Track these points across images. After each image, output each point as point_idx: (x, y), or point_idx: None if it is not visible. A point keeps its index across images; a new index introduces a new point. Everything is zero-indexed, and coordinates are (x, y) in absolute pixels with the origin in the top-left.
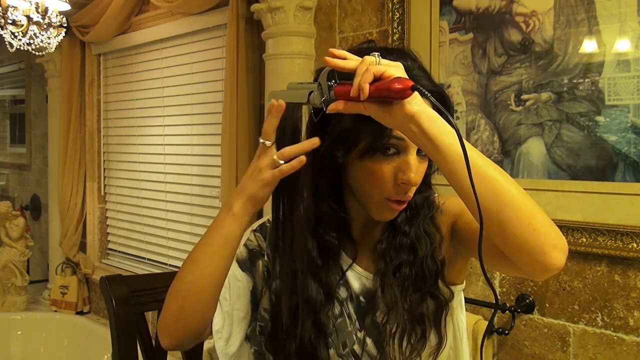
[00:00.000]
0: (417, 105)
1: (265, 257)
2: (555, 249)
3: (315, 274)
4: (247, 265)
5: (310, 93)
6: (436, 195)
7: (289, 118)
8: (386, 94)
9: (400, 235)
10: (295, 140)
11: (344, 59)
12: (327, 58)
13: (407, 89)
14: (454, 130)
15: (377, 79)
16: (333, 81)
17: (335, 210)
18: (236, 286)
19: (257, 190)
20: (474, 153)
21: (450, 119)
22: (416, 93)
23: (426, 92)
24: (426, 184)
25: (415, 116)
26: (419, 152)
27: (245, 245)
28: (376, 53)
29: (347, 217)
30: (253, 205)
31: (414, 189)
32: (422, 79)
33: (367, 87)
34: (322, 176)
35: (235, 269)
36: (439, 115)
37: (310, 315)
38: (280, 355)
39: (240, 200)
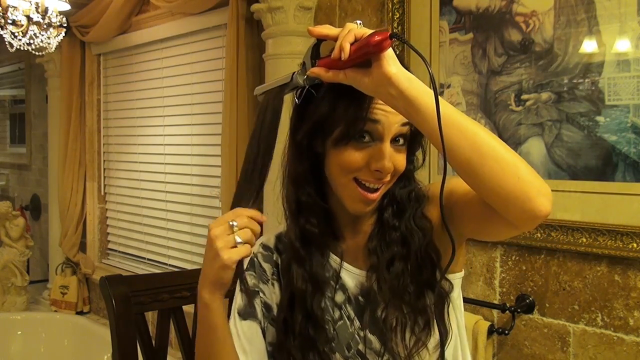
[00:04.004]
0: (396, 67)
1: (260, 294)
2: (540, 194)
3: (300, 264)
4: (247, 312)
5: (294, 73)
6: (421, 187)
7: (270, 106)
8: (365, 50)
9: (390, 230)
10: (273, 127)
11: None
12: (310, 28)
13: (385, 39)
14: (431, 91)
15: (358, 40)
16: (317, 60)
17: (314, 199)
18: (249, 341)
19: (219, 274)
20: (451, 109)
21: (428, 67)
22: (394, 57)
23: (404, 38)
24: (409, 178)
25: (393, 78)
26: (395, 142)
27: (240, 290)
28: (358, 21)
29: (328, 207)
30: (220, 289)
31: (388, 177)
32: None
33: (347, 46)
34: (301, 164)
35: (238, 323)
36: (416, 77)
37: (302, 306)
38: (282, 353)
39: (207, 290)
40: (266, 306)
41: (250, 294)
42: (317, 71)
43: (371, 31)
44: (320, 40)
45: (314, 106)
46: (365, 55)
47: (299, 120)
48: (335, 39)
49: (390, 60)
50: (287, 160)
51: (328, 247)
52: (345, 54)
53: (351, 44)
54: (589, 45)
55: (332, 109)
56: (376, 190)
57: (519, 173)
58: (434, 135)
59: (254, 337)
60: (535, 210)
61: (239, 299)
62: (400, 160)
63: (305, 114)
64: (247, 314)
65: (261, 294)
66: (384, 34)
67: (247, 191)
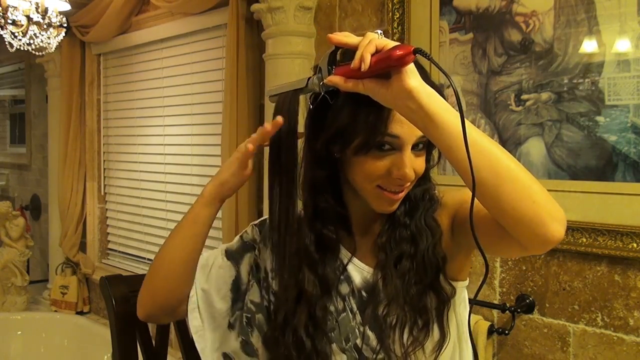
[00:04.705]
0: (416, 80)
1: (256, 251)
2: (554, 220)
3: (312, 267)
4: (233, 255)
5: (309, 79)
6: (436, 190)
7: (286, 109)
8: (386, 63)
9: (400, 228)
10: (292, 130)
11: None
12: (330, 35)
13: (408, 54)
14: (450, 107)
15: (378, 51)
16: (333, 66)
17: (332, 205)
18: (217, 272)
19: (224, 174)
20: (471, 128)
21: (452, 83)
22: (414, 71)
23: (428, 54)
24: (425, 177)
25: (413, 91)
26: (415, 148)
27: (240, 236)
28: (379, 31)
29: (346, 212)
30: (222, 188)
31: (409, 183)
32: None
33: (368, 57)
34: (319, 170)
35: (219, 256)
36: (436, 93)
37: (306, 307)
38: (279, 349)
39: (211, 185)
40: (256, 265)
41: (246, 245)
42: (336, 80)
43: (393, 43)
44: (338, 47)
45: (333, 115)
46: (386, 68)
47: (317, 128)
48: (355, 48)
49: (410, 74)
50: (302, 165)
51: (341, 243)
52: (366, 65)
53: (372, 55)
54: (589, 45)
55: (352, 119)
56: (401, 191)
57: (534, 197)
58: (450, 151)
59: (220, 273)
60: (547, 235)
61: (235, 239)
62: (420, 164)
63: (323, 122)
64: (231, 257)
65: (256, 252)
66: (407, 48)
67: (282, 196)
